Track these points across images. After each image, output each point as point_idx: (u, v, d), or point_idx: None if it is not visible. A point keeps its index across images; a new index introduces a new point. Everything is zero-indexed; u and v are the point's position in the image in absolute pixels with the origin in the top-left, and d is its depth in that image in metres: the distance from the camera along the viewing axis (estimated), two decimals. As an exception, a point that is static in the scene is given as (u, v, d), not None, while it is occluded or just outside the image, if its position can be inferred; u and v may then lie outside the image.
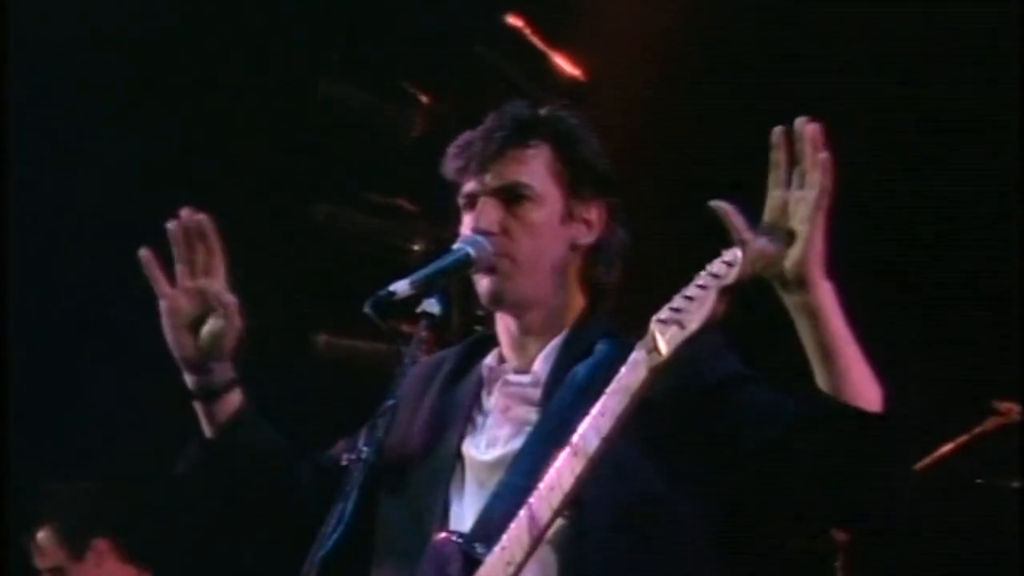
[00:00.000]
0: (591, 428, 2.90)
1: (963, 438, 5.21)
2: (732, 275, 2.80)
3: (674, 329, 2.83)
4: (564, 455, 2.91)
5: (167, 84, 6.33)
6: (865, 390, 2.85)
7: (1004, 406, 5.20)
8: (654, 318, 2.86)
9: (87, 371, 6.50)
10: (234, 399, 3.27)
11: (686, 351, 2.84)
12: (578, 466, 2.89)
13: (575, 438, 2.91)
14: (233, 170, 6.49)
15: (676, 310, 2.84)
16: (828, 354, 2.85)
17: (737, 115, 5.71)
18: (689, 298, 2.83)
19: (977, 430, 5.20)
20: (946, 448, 5.20)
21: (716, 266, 2.83)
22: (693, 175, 5.74)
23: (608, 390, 2.90)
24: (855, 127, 5.64)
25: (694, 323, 2.82)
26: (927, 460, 5.17)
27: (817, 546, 5.25)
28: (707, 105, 5.83)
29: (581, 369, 3.14)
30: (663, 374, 2.85)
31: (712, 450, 3.03)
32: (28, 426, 6.31)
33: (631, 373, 2.87)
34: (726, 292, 2.80)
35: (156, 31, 6.21)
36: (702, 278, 2.83)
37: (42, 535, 5.74)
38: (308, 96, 6.41)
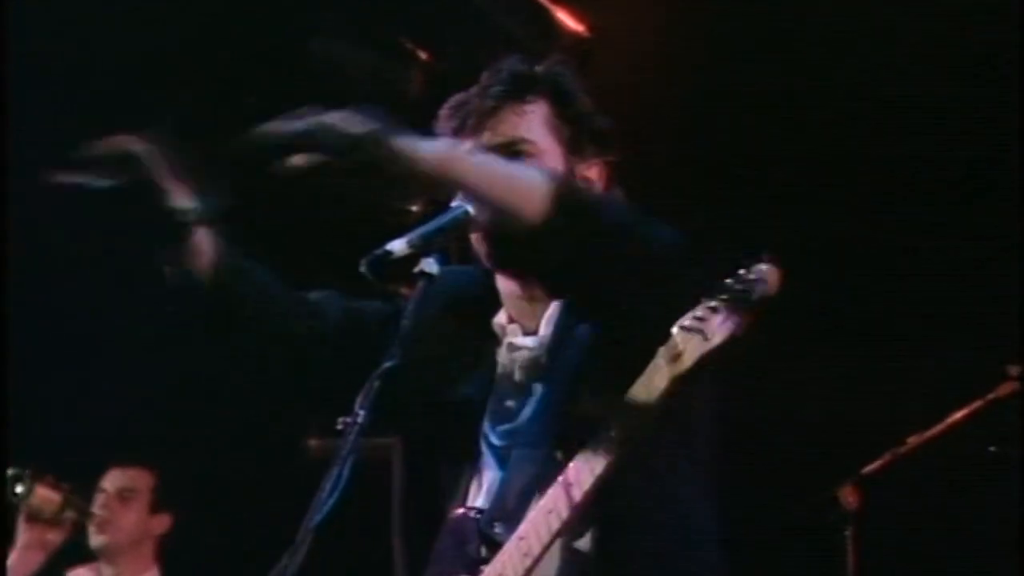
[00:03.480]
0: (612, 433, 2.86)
1: (976, 404, 5.14)
2: (758, 292, 2.76)
3: (697, 339, 2.78)
4: (585, 454, 2.88)
5: (160, 43, 6.30)
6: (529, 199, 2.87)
7: (1018, 371, 5.11)
8: (677, 324, 2.81)
9: (85, 369, 6.53)
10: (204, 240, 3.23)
11: (709, 363, 2.79)
12: (599, 467, 2.86)
13: (595, 441, 2.87)
14: (228, 132, 6.41)
15: (700, 319, 2.79)
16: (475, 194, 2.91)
17: (744, 72, 5.70)
18: (713, 309, 2.78)
19: (990, 396, 5.13)
20: (958, 415, 5.14)
21: (743, 281, 2.78)
22: (699, 134, 5.72)
23: (629, 393, 2.85)
24: (869, 87, 5.62)
25: (717, 337, 2.77)
26: (939, 427, 5.14)
27: (827, 515, 5.19)
28: (713, 62, 5.81)
29: (585, 328, 3.09)
30: (686, 384, 2.81)
31: None
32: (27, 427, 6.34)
33: (653, 379, 2.83)
34: (751, 309, 2.77)
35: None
36: (727, 290, 2.78)
37: (142, 471, 5.95)
38: (304, 54, 6.32)
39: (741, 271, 2.79)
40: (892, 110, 5.63)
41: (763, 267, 2.76)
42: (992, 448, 5.19)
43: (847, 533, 5.21)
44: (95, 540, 5.86)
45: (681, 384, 2.81)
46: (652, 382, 2.83)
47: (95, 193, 3.24)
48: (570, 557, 2.98)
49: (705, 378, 2.97)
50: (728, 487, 3.13)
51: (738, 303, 2.76)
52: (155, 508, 5.92)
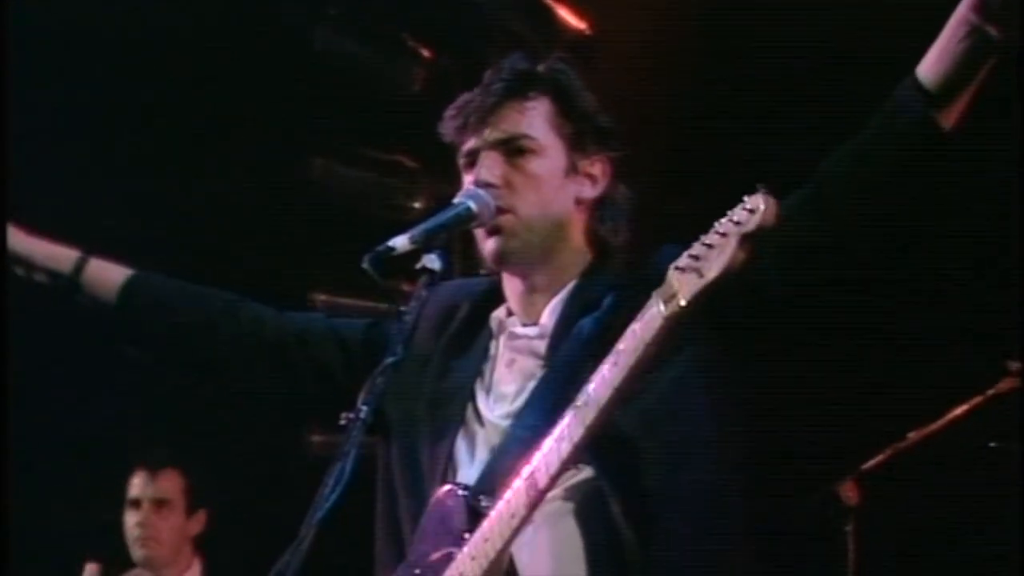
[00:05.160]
0: (603, 378, 2.85)
1: (976, 400, 5.13)
2: (753, 222, 2.74)
3: (692, 277, 2.77)
4: (575, 409, 2.88)
5: (162, 37, 6.29)
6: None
7: (1018, 367, 5.11)
8: (672, 265, 2.81)
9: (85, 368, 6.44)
10: (98, 271, 3.40)
11: (705, 300, 2.77)
12: (589, 416, 2.86)
13: (588, 387, 2.87)
14: (231, 125, 6.48)
15: (695, 257, 2.78)
16: None
17: (744, 70, 5.69)
18: (708, 245, 2.77)
19: (990, 392, 5.12)
20: (959, 411, 5.14)
21: (737, 213, 2.76)
22: (698, 130, 5.71)
23: (623, 338, 2.85)
24: (867, 84, 5.60)
25: (713, 271, 2.75)
26: (939, 423, 5.13)
27: (827, 511, 5.20)
28: (713, 59, 5.80)
29: (587, 322, 3.12)
30: (680, 323, 2.79)
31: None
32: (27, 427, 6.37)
33: (647, 322, 2.81)
34: (746, 239, 2.74)
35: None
36: (722, 225, 2.77)
37: (172, 475, 5.99)
38: (306, 49, 6.38)
39: (736, 206, 2.79)
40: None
41: (758, 197, 2.76)
42: (992, 443, 5.17)
43: (848, 529, 5.21)
44: (137, 554, 5.91)
45: (676, 322, 2.79)
46: (647, 324, 2.82)
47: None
48: (600, 532, 3.00)
49: (733, 361, 3.04)
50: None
51: (733, 236, 2.75)
52: (190, 510, 5.96)
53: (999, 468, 5.24)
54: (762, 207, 2.74)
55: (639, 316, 2.83)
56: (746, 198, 2.77)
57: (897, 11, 5.49)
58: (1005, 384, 5.11)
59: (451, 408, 3.18)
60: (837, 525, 5.23)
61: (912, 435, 5.16)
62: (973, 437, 5.16)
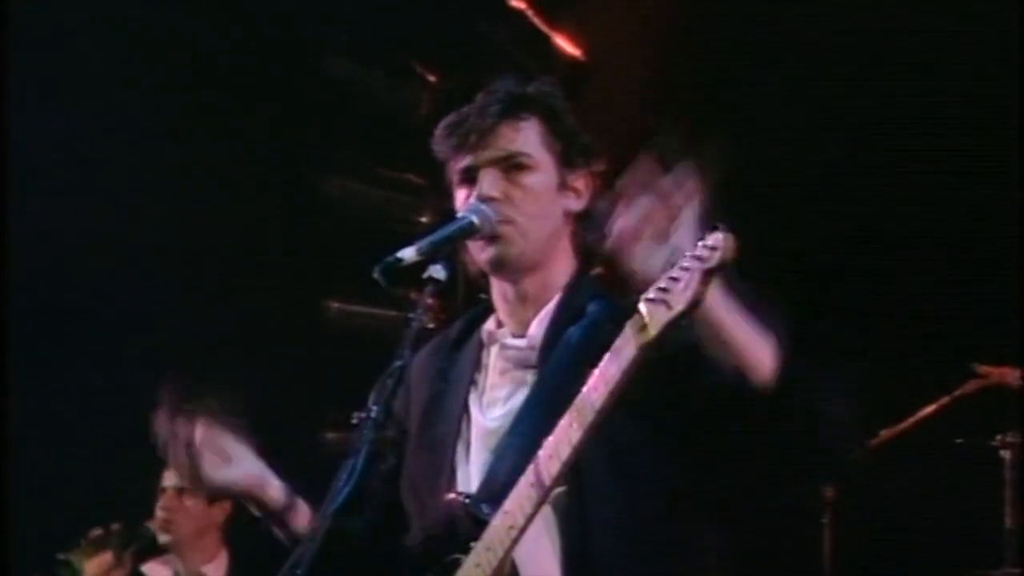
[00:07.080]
0: (587, 400, 2.98)
1: (944, 400, 5.39)
2: (715, 258, 2.85)
3: (662, 309, 2.89)
4: (562, 425, 3.01)
5: (176, 57, 6.46)
6: (758, 366, 2.92)
7: (984, 369, 5.35)
8: (643, 297, 2.93)
9: (85, 367, 6.67)
10: (302, 510, 3.38)
11: (673, 330, 2.90)
12: (575, 436, 2.98)
13: (572, 410, 3.00)
14: (248, 146, 6.64)
15: (663, 290, 2.90)
16: (720, 344, 2.95)
17: (736, 95, 5.87)
18: (675, 279, 2.89)
19: (957, 392, 5.36)
20: (928, 410, 5.41)
21: (699, 249, 2.88)
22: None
23: (601, 365, 2.97)
24: (860, 99, 5.79)
25: (680, 304, 2.87)
26: (910, 420, 5.40)
27: (805, 503, 5.45)
28: (706, 85, 5.93)
29: (574, 332, 3.23)
30: (653, 352, 2.92)
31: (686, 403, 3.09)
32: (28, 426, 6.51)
33: (623, 350, 2.95)
34: (709, 275, 2.86)
35: (166, 4, 6.38)
36: (687, 260, 2.88)
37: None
38: (324, 76, 6.53)
39: (699, 242, 2.89)
40: (877, 100, 5.76)
41: (719, 235, 2.86)
42: (959, 440, 5.38)
43: (824, 520, 5.50)
44: (162, 538, 6.13)
45: (648, 351, 2.91)
46: (621, 353, 2.94)
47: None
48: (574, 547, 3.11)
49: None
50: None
51: (697, 271, 2.86)
52: (213, 498, 6.04)
53: (966, 463, 5.44)
54: (722, 244, 2.85)
55: (615, 345, 2.95)
56: (707, 235, 2.87)
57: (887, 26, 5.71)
58: (971, 385, 5.35)
59: (449, 423, 3.29)
60: (814, 518, 5.50)
61: (884, 433, 5.40)
62: (940, 435, 5.39)
